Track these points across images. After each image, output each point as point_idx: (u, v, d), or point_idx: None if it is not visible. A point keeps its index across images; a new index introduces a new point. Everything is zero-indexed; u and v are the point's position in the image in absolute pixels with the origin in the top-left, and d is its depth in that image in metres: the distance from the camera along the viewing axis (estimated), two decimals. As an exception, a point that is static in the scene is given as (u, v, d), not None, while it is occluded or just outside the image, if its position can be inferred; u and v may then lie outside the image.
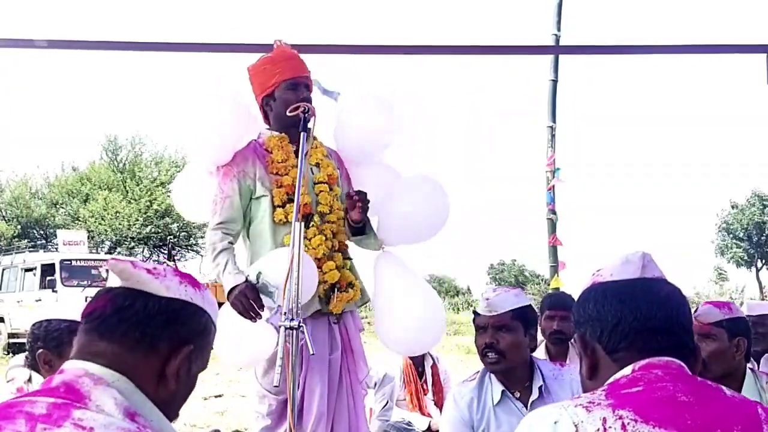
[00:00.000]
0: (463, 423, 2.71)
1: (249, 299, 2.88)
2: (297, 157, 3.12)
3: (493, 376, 2.74)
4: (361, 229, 3.19)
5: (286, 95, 3.12)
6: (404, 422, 4.72)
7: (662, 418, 1.25)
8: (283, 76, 3.15)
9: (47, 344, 2.32)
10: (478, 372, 2.82)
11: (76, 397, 1.21)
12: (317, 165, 3.23)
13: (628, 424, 1.24)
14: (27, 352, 2.43)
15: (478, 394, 2.74)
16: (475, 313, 2.79)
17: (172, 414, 1.35)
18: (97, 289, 1.44)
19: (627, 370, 1.38)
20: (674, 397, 1.30)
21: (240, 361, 3.32)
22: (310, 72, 3.26)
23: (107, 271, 1.36)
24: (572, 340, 3.72)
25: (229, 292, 2.94)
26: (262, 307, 2.89)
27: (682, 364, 1.39)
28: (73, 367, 1.28)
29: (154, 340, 1.31)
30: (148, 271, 1.34)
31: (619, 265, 1.49)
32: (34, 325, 2.40)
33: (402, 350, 3.40)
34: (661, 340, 1.39)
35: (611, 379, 1.39)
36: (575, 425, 1.26)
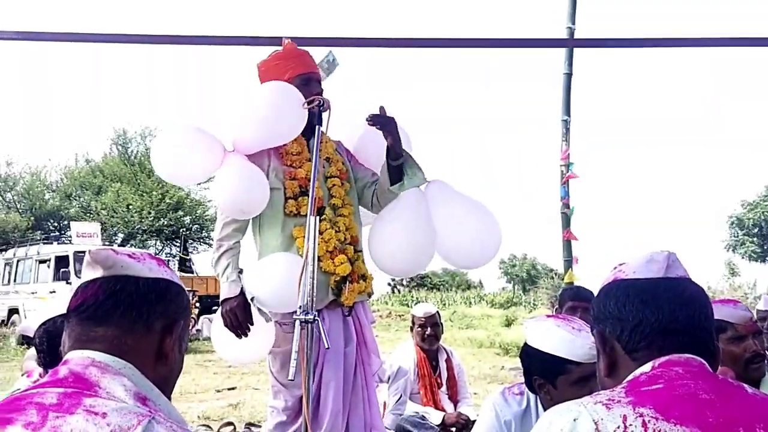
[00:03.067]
0: None
1: (238, 318, 3.00)
2: (310, 150, 3.16)
3: (540, 406, 2.47)
4: (399, 170, 3.11)
5: (299, 90, 3.11)
6: (418, 416, 4.71)
7: (683, 416, 1.24)
8: (295, 72, 3.17)
9: None
10: (522, 386, 2.53)
11: (86, 386, 1.24)
12: (327, 160, 3.25)
13: (649, 421, 1.23)
14: (39, 353, 2.42)
15: (521, 420, 2.53)
16: (573, 363, 2.24)
17: (168, 393, 1.40)
18: None
19: (647, 368, 1.36)
20: (695, 394, 1.28)
21: (240, 360, 3.36)
22: (318, 68, 3.28)
23: (87, 263, 1.39)
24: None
25: (223, 302, 3.04)
26: (251, 325, 3.00)
27: (703, 361, 1.37)
28: (78, 357, 1.30)
29: (150, 318, 1.36)
30: (130, 255, 1.40)
31: (644, 263, 1.46)
32: (45, 324, 2.40)
33: (462, 263, 3.28)
34: (682, 339, 1.38)
35: (630, 377, 1.37)
36: (595, 422, 1.25)
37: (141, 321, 1.35)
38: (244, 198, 3.01)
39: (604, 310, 1.46)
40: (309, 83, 3.18)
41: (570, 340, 2.22)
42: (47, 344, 2.37)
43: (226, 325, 3.03)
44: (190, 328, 1.70)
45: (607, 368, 1.45)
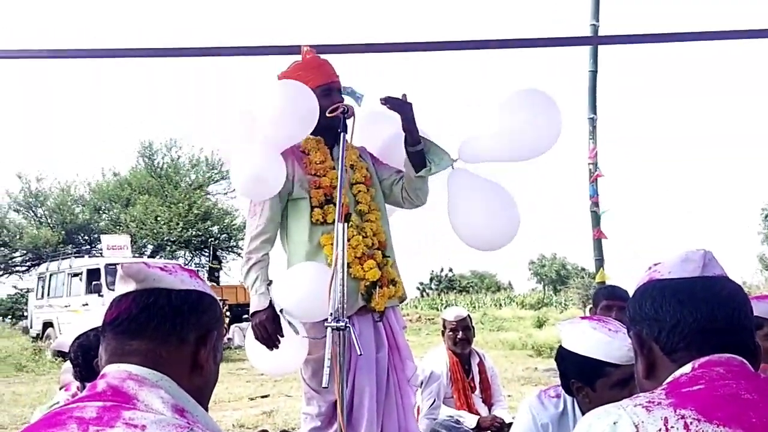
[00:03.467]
0: None
1: (268, 330, 3.01)
2: (333, 158, 3.17)
3: (578, 410, 2.42)
4: (419, 156, 3.13)
5: (320, 101, 3.11)
6: (452, 420, 4.69)
7: (726, 417, 1.21)
8: (316, 83, 3.17)
9: None
10: (559, 389, 2.49)
11: (124, 399, 1.24)
12: (352, 167, 3.26)
13: (691, 423, 1.20)
14: (75, 367, 2.45)
15: (558, 423, 2.51)
16: (612, 365, 2.20)
17: (205, 404, 1.40)
18: None
19: (687, 368, 1.34)
20: (737, 394, 1.25)
21: (274, 371, 3.37)
22: (338, 76, 3.28)
23: (120, 277, 1.39)
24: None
25: (252, 315, 3.06)
26: (281, 337, 3.02)
27: (744, 360, 1.34)
28: (115, 370, 1.31)
29: (184, 330, 1.36)
30: (161, 268, 1.40)
31: (679, 262, 1.44)
32: (79, 338, 2.43)
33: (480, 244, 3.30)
34: (723, 339, 1.35)
35: (670, 378, 1.35)
36: (635, 425, 1.23)
37: (175, 333, 1.35)
38: (262, 166, 2.99)
39: (641, 311, 1.44)
40: (330, 94, 3.19)
41: (607, 342, 2.19)
42: (82, 358, 2.40)
43: (256, 338, 3.05)
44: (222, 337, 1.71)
45: (645, 370, 1.42)
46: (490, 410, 4.95)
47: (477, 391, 4.97)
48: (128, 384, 1.27)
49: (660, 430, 1.21)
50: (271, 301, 3.04)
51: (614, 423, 1.25)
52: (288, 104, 3.02)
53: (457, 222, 3.21)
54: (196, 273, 1.46)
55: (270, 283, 3.09)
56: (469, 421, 4.73)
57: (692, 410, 1.22)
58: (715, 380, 1.29)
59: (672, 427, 1.21)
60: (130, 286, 1.38)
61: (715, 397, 1.25)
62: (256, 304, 3.06)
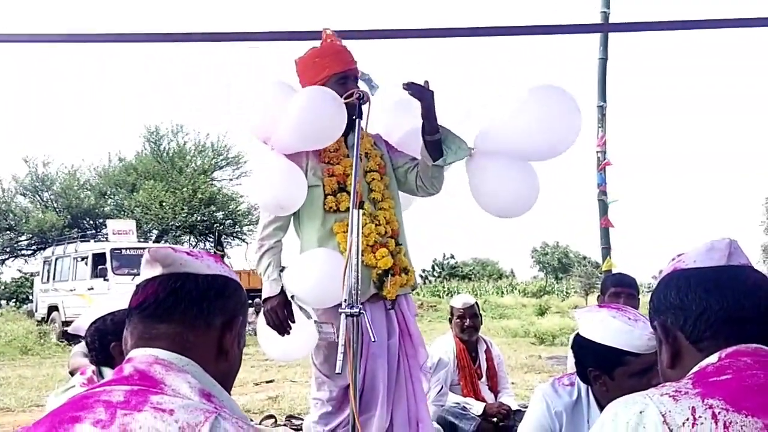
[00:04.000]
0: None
1: (279, 317, 3.04)
2: (348, 146, 3.18)
3: (593, 398, 2.42)
4: (437, 145, 3.13)
5: (335, 89, 3.10)
6: (459, 407, 4.70)
7: (755, 407, 1.20)
8: (333, 70, 3.16)
9: (119, 336, 2.34)
10: (573, 377, 2.49)
11: (152, 384, 1.24)
12: (366, 155, 3.25)
13: (719, 413, 1.20)
14: (90, 351, 2.45)
15: (572, 411, 2.48)
16: (632, 354, 2.17)
17: (228, 389, 1.40)
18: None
19: (713, 358, 1.32)
20: (766, 385, 1.25)
21: (286, 356, 3.42)
22: (357, 63, 3.24)
23: (146, 261, 1.39)
24: None
25: (264, 301, 3.09)
26: (292, 323, 3.05)
27: None
28: (142, 355, 1.31)
29: (210, 315, 1.36)
30: (188, 253, 1.40)
31: (704, 251, 1.43)
32: (95, 322, 2.43)
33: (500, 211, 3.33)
34: (750, 329, 1.34)
35: (696, 368, 1.33)
36: (662, 415, 1.22)
37: (202, 317, 1.35)
38: (282, 194, 3.04)
39: (665, 300, 1.43)
40: (346, 82, 3.15)
41: (628, 332, 2.17)
42: (99, 342, 2.40)
43: (268, 324, 3.07)
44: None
45: (671, 359, 1.41)
46: (496, 397, 4.96)
47: (483, 379, 4.99)
48: (155, 368, 1.27)
49: (687, 419, 1.20)
50: (282, 287, 3.05)
51: (641, 412, 1.24)
52: (316, 123, 3.03)
53: (478, 190, 3.23)
54: (221, 258, 1.46)
55: (282, 269, 3.10)
56: (476, 408, 4.74)
57: (720, 400, 1.21)
58: (742, 370, 1.28)
59: (700, 416, 1.20)
60: (157, 271, 1.37)
61: (743, 387, 1.24)
62: (268, 290, 3.07)
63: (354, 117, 3.01)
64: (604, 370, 2.23)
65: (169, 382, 1.25)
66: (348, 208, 2.88)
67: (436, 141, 3.11)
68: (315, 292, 2.96)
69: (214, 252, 26.79)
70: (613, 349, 2.19)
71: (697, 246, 1.46)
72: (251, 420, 6.29)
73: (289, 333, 3.05)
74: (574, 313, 2.51)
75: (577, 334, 2.35)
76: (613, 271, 7.23)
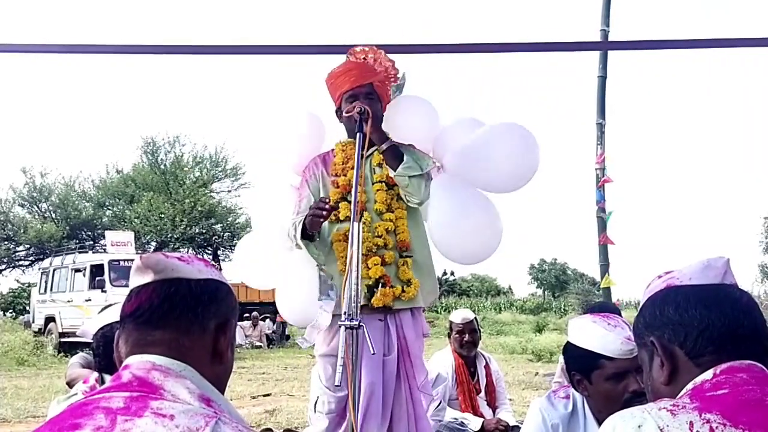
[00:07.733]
0: None
1: (315, 206, 3.04)
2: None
3: (588, 408, 2.45)
4: (393, 154, 3.18)
5: (345, 107, 3.23)
6: (457, 422, 4.69)
7: (752, 422, 1.21)
8: (342, 89, 3.27)
9: None
10: (568, 390, 2.52)
11: (151, 389, 1.25)
12: (379, 165, 3.29)
13: (717, 427, 1.20)
14: (95, 357, 2.47)
15: (568, 423, 2.48)
16: (606, 358, 2.27)
17: (223, 392, 1.40)
18: None
19: (708, 374, 1.33)
20: (762, 400, 1.25)
21: (266, 284, 3.57)
22: (375, 76, 3.32)
23: (137, 268, 1.39)
24: None
25: (303, 226, 3.12)
26: (324, 203, 3.04)
27: (764, 368, 1.35)
28: (139, 361, 1.31)
29: (205, 319, 1.37)
30: (179, 258, 1.40)
31: (700, 269, 1.44)
32: (103, 328, 2.45)
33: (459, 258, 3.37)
34: (748, 345, 1.36)
35: (690, 385, 1.35)
36: (660, 429, 1.23)
37: (197, 322, 1.35)
38: (308, 310, 3.18)
39: (662, 316, 1.43)
40: (354, 99, 3.22)
41: (602, 336, 2.26)
42: (104, 348, 2.41)
43: (311, 217, 3.04)
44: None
45: (668, 376, 1.41)
46: (494, 413, 4.95)
47: (482, 394, 4.98)
48: (153, 375, 1.27)
49: None
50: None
51: (639, 426, 1.25)
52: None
53: (437, 234, 3.30)
54: (210, 263, 1.47)
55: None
56: (474, 423, 4.73)
57: (717, 414, 1.22)
58: (739, 386, 1.29)
59: (697, 431, 1.21)
60: (149, 277, 1.37)
61: (740, 402, 1.25)
62: (300, 218, 3.14)
63: (356, 132, 3.05)
64: (583, 374, 2.32)
65: (168, 388, 1.25)
66: (347, 217, 2.96)
67: (390, 151, 3.18)
68: (295, 314, 3.34)
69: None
70: (589, 352, 2.28)
71: (692, 264, 1.47)
72: None
73: (329, 210, 3.03)
74: (568, 321, 2.60)
75: (567, 340, 2.44)
76: (612, 289, 7.24)
